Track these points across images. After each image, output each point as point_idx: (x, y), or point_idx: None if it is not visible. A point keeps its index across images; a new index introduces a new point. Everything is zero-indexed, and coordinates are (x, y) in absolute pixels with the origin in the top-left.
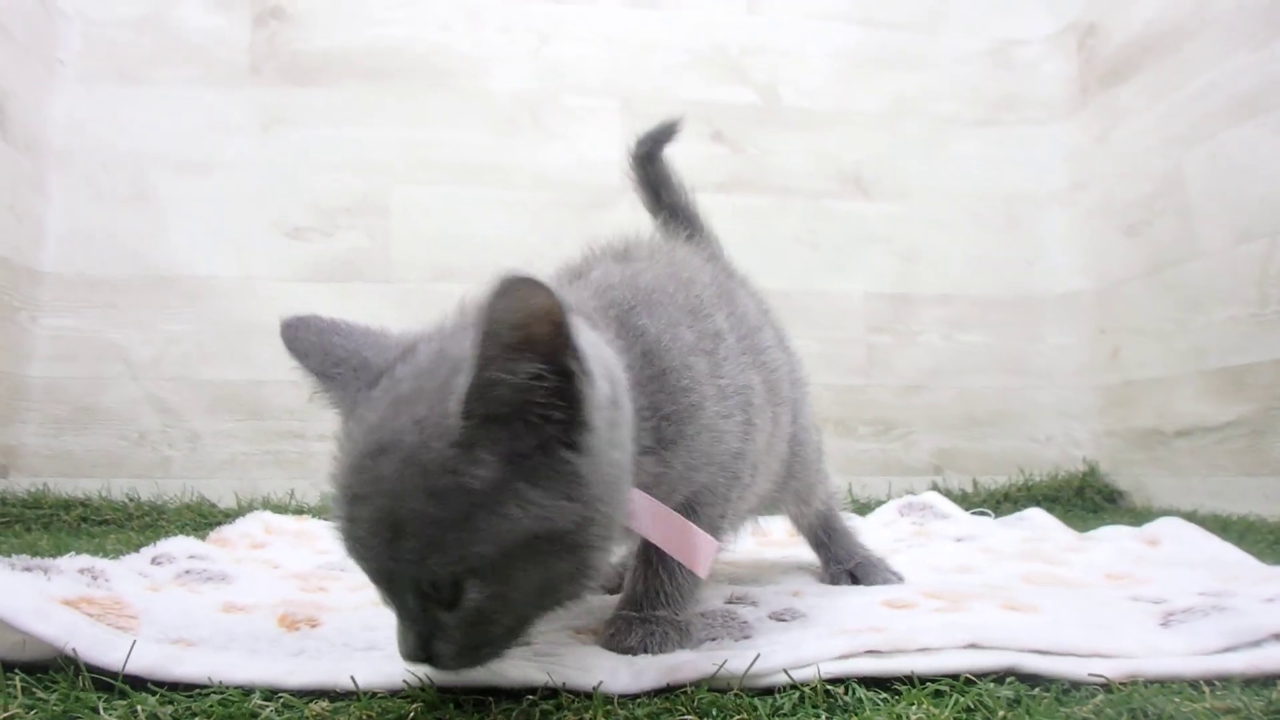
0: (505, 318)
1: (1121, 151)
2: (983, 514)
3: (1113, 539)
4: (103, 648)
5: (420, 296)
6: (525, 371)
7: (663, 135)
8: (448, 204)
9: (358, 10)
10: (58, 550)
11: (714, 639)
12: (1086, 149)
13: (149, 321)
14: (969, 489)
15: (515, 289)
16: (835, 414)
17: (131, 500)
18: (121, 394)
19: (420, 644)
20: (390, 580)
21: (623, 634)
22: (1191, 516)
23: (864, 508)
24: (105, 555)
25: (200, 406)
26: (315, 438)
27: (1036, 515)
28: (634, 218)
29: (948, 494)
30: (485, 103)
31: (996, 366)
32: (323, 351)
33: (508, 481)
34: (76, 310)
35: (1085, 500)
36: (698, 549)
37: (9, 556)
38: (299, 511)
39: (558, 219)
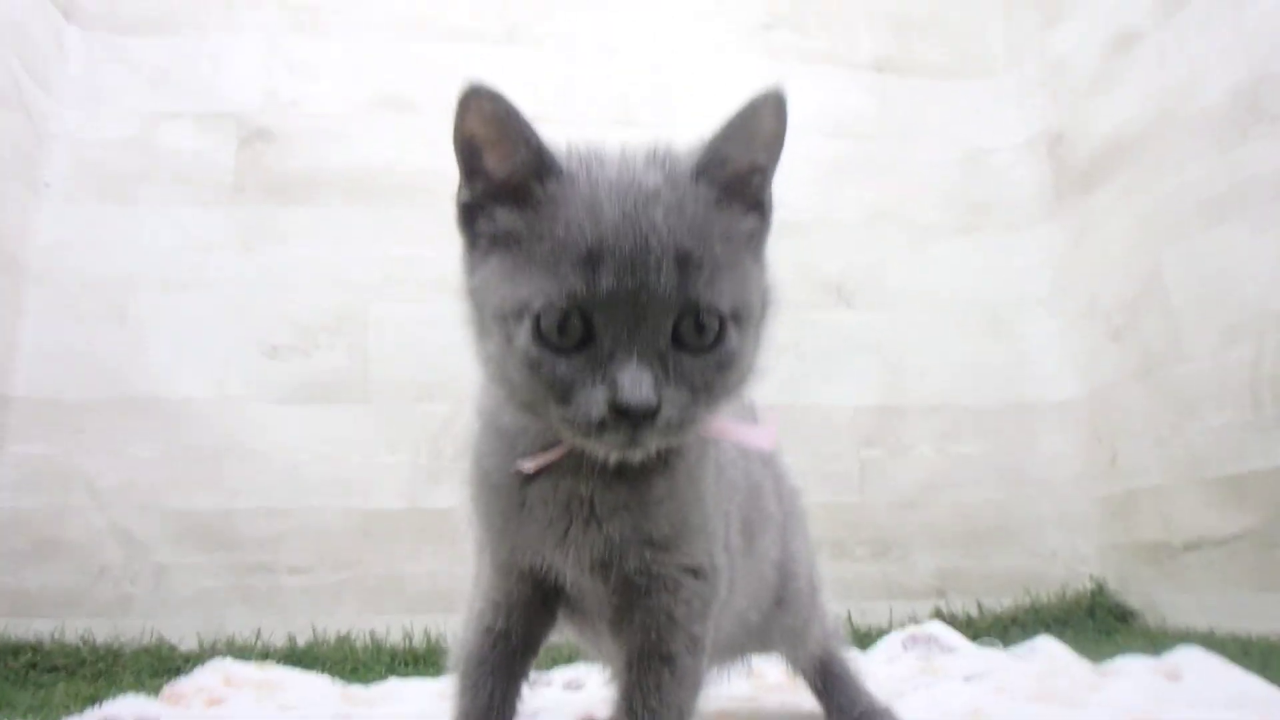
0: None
1: (1100, 255)
2: (991, 643)
3: (1131, 673)
4: None
5: (401, 418)
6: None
7: None
8: (428, 321)
9: (344, 131)
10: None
11: None
12: (1065, 253)
13: (118, 447)
14: (974, 612)
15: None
16: (830, 534)
17: (86, 643)
18: (85, 525)
19: (655, 386)
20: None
21: None
22: (1209, 637)
23: (865, 637)
24: (48, 713)
25: (167, 538)
26: (285, 570)
27: (1048, 645)
28: None
29: (952, 619)
30: None
31: (993, 478)
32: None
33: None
34: (45, 436)
35: (1096, 621)
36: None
37: None
38: (264, 655)
39: None
